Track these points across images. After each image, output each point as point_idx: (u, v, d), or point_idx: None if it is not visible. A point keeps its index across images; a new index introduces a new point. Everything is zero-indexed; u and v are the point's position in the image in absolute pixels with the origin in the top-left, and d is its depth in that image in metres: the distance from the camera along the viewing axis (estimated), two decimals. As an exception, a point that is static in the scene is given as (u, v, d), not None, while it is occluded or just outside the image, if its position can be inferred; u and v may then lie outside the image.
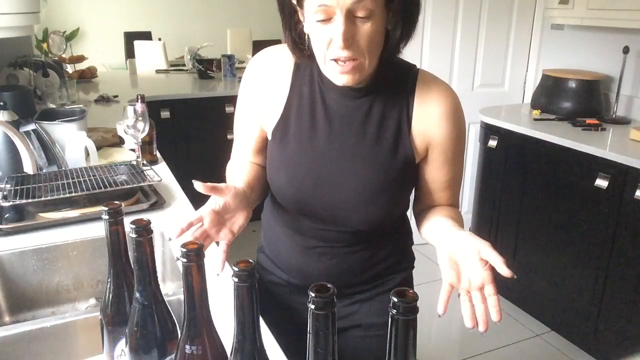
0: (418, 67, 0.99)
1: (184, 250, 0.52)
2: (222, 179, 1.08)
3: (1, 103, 1.56)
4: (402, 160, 0.95)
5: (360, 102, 0.94)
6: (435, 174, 0.99)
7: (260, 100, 1.00)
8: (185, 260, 0.52)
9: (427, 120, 0.94)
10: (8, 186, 1.34)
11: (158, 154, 1.88)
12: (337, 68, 0.85)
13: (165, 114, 3.14)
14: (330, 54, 0.84)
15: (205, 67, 3.81)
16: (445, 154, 0.97)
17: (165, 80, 3.94)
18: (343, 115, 0.95)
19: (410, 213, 1.09)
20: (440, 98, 0.95)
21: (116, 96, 3.08)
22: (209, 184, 0.79)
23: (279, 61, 0.99)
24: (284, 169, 0.97)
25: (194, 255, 0.53)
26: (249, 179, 0.98)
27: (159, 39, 5.54)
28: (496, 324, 0.76)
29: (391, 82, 0.95)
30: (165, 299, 0.66)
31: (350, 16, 0.81)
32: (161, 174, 1.55)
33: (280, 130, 0.97)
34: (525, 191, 2.57)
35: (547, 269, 2.49)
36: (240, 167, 1.03)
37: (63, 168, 1.55)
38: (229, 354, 0.54)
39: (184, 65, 4.39)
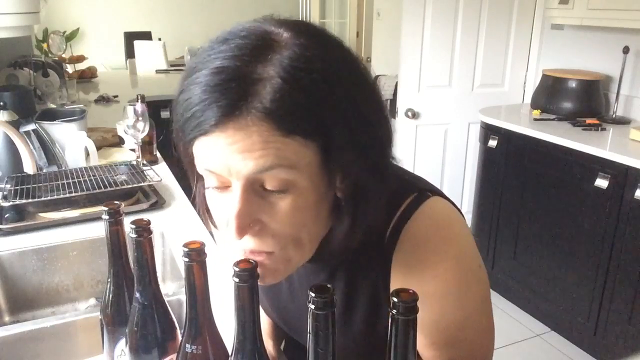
0: (415, 196, 0.65)
1: (186, 249, 0.52)
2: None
3: (1, 103, 1.56)
4: (385, 336, 0.70)
5: (318, 266, 0.71)
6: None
7: None
8: (187, 259, 0.52)
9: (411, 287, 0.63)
10: (8, 186, 1.34)
11: (158, 154, 1.88)
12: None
13: (165, 114, 3.12)
14: (231, 240, 0.56)
15: (205, 67, 3.80)
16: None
17: (165, 80, 3.94)
18: (301, 275, 0.74)
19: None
20: (430, 278, 0.63)
21: (116, 96, 3.08)
22: None
23: None
24: None
25: (196, 254, 0.53)
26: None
27: (159, 39, 5.54)
28: None
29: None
30: (165, 299, 0.66)
31: (254, 188, 0.54)
32: (161, 174, 1.54)
33: None
34: (525, 191, 2.57)
35: (547, 268, 2.49)
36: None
37: (63, 168, 1.55)
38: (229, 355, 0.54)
39: (184, 65, 4.39)
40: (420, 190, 0.66)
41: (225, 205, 0.55)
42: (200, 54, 0.56)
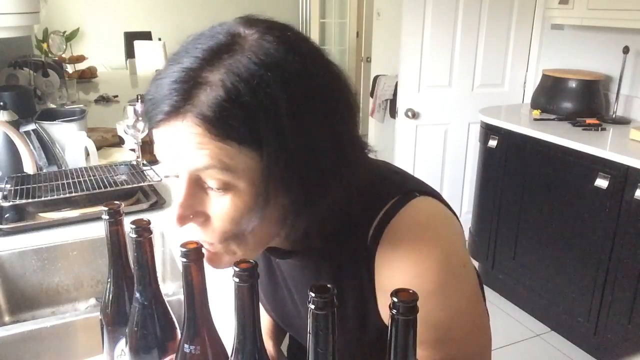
0: (399, 197, 0.64)
1: (184, 249, 0.52)
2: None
3: (1, 103, 1.56)
4: (375, 333, 0.68)
5: (301, 262, 0.71)
6: None
7: None
8: (184, 259, 0.52)
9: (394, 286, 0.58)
10: (8, 186, 1.34)
11: (158, 154, 1.88)
12: None
13: (165, 114, 3.13)
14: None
15: (205, 67, 3.80)
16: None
17: (165, 80, 3.94)
18: (292, 275, 0.75)
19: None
20: (413, 273, 0.61)
21: (116, 96, 3.08)
22: None
23: None
24: None
25: (194, 254, 0.53)
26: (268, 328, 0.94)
27: (159, 39, 5.54)
28: None
29: (343, 235, 0.65)
30: (165, 299, 0.66)
31: (199, 183, 0.57)
32: (161, 174, 1.54)
33: None
34: (525, 191, 2.57)
35: (547, 269, 2.49)
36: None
37: (63, 168, 1.55)
38: (229, 354, 0.54)
39: (184, 65, 4.39)
40: (407, 191, 0.65)
41: (176, 192, 0.58)
42: (178, 49, 0.60)
